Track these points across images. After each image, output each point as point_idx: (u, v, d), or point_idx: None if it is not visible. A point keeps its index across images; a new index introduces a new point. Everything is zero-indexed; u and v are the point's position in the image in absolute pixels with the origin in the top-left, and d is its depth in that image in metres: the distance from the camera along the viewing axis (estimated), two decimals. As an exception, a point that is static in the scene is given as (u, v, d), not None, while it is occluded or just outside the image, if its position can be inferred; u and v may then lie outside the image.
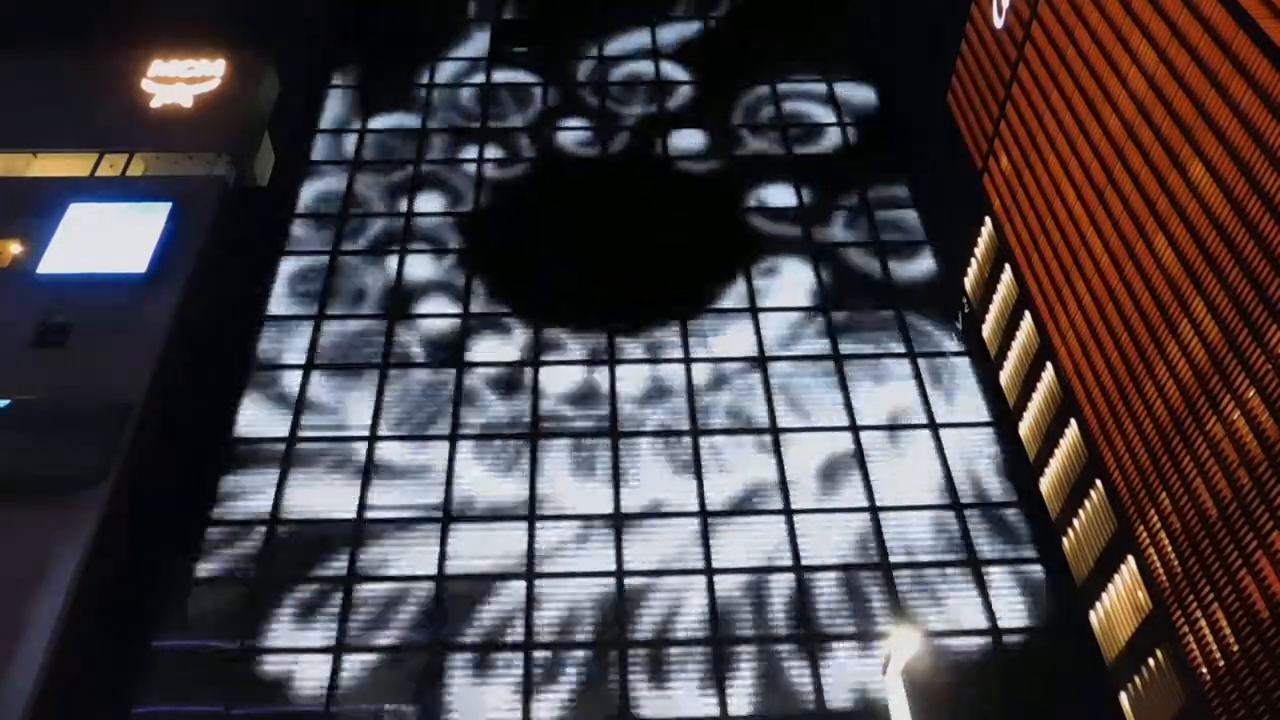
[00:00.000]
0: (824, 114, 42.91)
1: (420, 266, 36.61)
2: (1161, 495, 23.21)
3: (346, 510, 29.54)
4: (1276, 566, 19.23)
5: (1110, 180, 26.18)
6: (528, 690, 25.84)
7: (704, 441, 31.19)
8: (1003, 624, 27.05)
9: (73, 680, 24.91)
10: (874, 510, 29.48)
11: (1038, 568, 28.25)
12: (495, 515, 29.45)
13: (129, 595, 27.26)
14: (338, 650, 26.53)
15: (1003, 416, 31.77)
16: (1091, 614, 26.35)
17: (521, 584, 27.87)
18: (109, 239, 33.80)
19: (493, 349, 33.84)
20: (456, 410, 31.98)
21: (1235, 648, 20.38)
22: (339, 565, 28.29)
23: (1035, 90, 30.71)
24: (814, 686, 25.78)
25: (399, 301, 35.32)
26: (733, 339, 34.26)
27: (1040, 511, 29.07)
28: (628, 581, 27.91)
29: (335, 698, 25.73)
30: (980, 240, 34.50)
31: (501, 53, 46.08)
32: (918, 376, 33.04)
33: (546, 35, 46.83)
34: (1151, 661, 23.61)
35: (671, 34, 47.04)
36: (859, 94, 43.91)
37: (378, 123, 42.69)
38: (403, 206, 38.76)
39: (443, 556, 28.49)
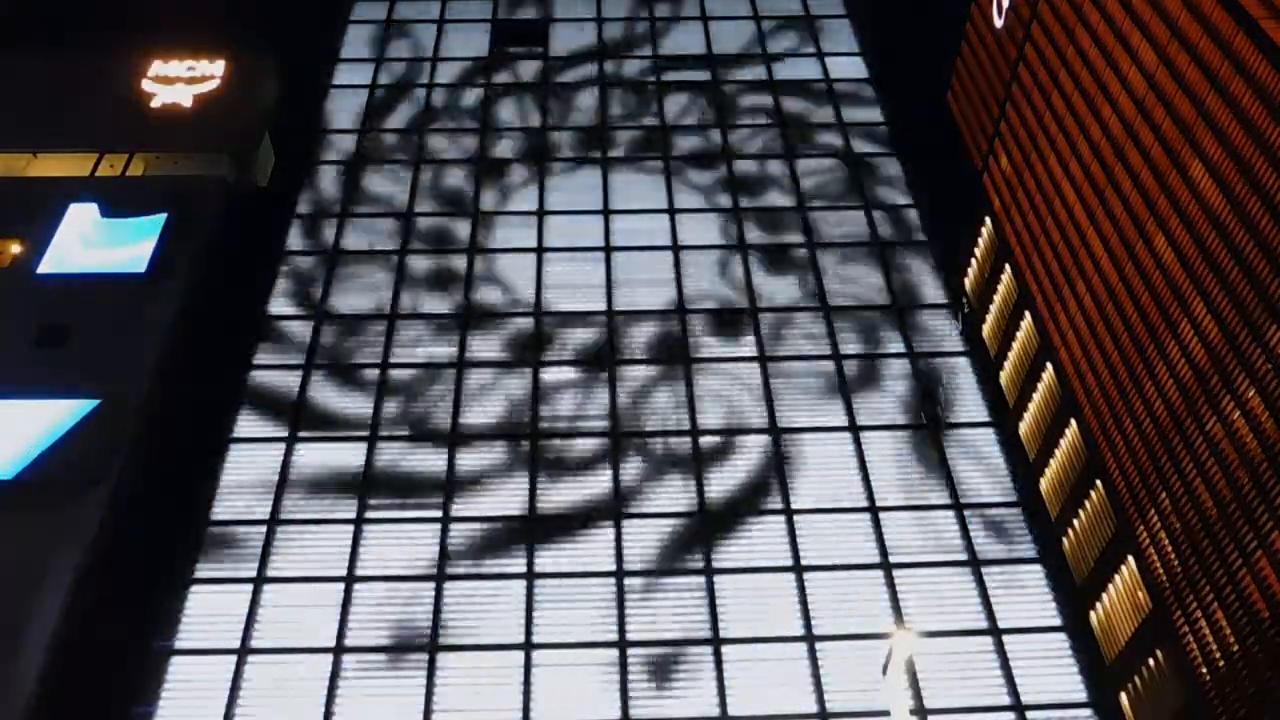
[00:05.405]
0: (823, 112, 42.88)
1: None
2: (1161, 495, 23.21)
3: (346, 511, 29.54)
4: (1276, 566, 19.24)
5: (1110, 180, 26.19)
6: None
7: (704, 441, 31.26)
8: (1003, 624, 27.02)
9: (73, 680, 24.91)
10: (874, 510, 29.47)
11: (1038, 568, 28.25)
12: (497, 519, 29.52)
13: (129, 595, 27.25)
14: (338, 650, 26.55)
15: (1003, 416, 31.77)
16: (1091, 614, 26.35)
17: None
18: (109, 238, 33.80)
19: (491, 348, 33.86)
20: (456, 410, 32.00)
21: (1235, 648, 20.38)
22: (338, 566, 28.31)
23: (1035, 90, 30.72)
24: (814, 686, 25.75)
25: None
26: (731, 337, 34.25)
27: (1040, 511, 29.07)
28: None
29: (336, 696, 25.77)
30: (980, 240, 34.50)
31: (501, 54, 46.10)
32: (917, 376, 33.02)
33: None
34: (1151, 661, 23.61)
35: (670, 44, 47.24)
36: (859, 94, 43.88)
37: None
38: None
39: (444, 559, 28.54)
